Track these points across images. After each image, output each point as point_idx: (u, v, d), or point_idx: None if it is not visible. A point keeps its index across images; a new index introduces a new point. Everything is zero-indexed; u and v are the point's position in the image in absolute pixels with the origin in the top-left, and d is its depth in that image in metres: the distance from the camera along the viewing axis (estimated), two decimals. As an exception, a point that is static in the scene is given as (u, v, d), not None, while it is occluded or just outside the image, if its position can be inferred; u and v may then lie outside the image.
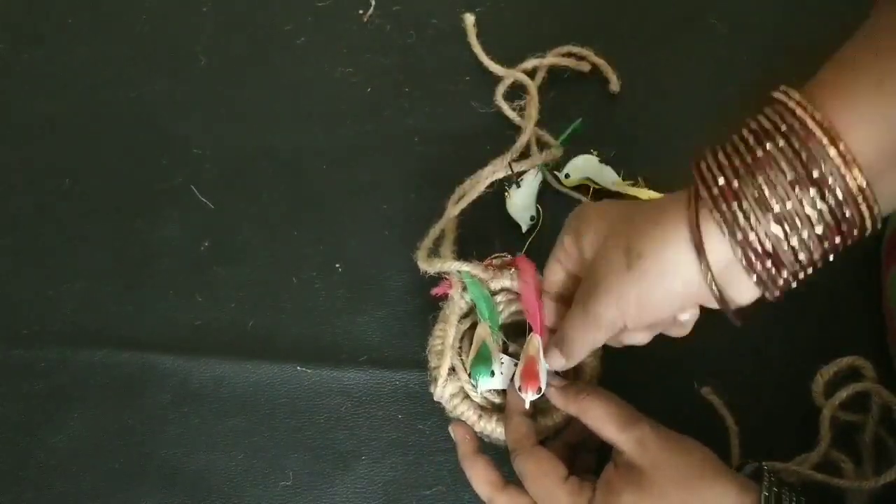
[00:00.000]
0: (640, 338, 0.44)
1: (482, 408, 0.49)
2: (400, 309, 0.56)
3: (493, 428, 0.48)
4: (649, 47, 0.62)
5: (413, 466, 0.52)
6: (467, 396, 0.49)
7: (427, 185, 0.58)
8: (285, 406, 0.53)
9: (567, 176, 0.57)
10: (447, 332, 0.49)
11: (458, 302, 0.50)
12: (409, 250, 0.53)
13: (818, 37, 0.62)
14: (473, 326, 0.51)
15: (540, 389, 0.47)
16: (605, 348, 0.48)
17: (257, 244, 0.58)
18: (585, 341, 0.44)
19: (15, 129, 0.63)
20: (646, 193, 0.56)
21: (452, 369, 0.50)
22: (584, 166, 0.57)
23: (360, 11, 0.65)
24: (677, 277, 0.38)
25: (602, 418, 0.43)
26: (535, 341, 0.48)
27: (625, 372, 0.47)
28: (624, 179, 0.57)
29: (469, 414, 0.49)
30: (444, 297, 0.51)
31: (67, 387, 0.54)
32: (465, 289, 0.50)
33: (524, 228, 0.57)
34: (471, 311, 0.51)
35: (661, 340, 0.50)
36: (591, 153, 0.57)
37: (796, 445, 0.48)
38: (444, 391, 0.49)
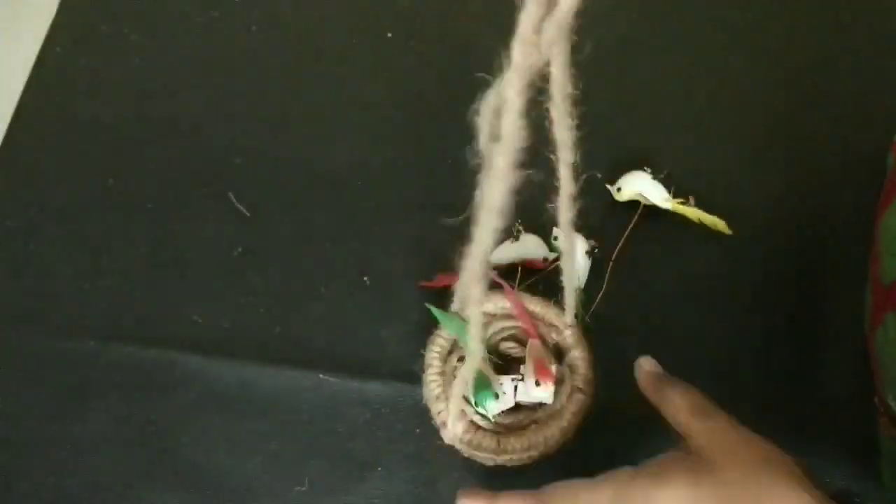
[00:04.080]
0: None
1: (497, 433, 0.49)
2: (423, 326, 0.56)
3: (513, 447, 0.48)
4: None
5: (429, 482, 0.52)
6: (480, 427, 0.49)
7: (460, 209, 0.59)
8: (306, 413, 0.54)
9: (619, 189, 0.58)
10: (439, 379, 0.50)
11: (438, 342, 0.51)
12: (437, 270, 0.55)
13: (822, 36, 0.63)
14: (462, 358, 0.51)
15: (555, 382, 0.47)
16: (595, 353, 0.49)
17: (288, 253, 0.59)
18: None
19: (68, 128, 0.65)
20: (694, 213, 0.56)
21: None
22: (636, 181, 0.58)
23: (398, 35, 0.67)
24: None
25: (682, 404, 0.41)
26: (536, 344, 0.49)
27: (625, 373, 0.46)
28: (674, 197, 0.57)
29: (487, 443, 0.48)
30: (447, 287, 0.52)
31: (95, 379, 0.55)
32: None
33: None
34: (455, 346, 0.52)
35: (661, 340, 0.50)
36: (644, 170, 0.58)
37: (796, 446, 0.47)
38: (455, 429, 0.49)
